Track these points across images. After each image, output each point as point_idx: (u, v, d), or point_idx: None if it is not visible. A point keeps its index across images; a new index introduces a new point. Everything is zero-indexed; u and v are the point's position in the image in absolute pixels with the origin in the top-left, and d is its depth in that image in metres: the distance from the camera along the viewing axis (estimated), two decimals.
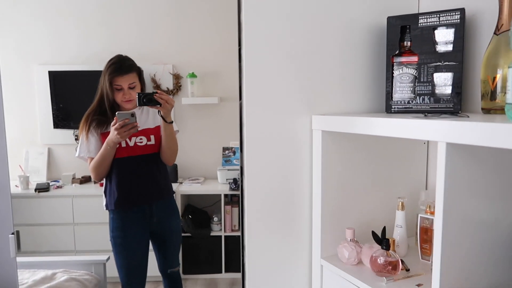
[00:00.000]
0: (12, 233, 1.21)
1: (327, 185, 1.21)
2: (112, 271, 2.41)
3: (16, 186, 3.17)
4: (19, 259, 1.74)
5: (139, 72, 1.95)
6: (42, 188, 3.12)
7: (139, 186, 1.94)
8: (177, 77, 3.45)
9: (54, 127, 3.41)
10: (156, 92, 1.77)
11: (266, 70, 1.17)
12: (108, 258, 2.29)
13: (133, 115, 1.76)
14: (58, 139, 3.47)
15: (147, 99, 1.75)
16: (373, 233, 1.15)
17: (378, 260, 1.09)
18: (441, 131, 0.82)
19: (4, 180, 1.26)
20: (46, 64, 3.40)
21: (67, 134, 3.42)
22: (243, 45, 1.15)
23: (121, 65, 1.87)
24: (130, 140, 1.89)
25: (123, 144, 1.88)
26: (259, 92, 1.18)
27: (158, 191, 1.99)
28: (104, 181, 1.98)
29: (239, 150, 1.24)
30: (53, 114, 3.38)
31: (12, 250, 1.20)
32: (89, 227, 3.11)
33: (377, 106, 1.30)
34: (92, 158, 1.89)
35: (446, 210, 0.84)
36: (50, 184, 3.25)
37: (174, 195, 2.13)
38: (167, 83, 3.45)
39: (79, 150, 1.92)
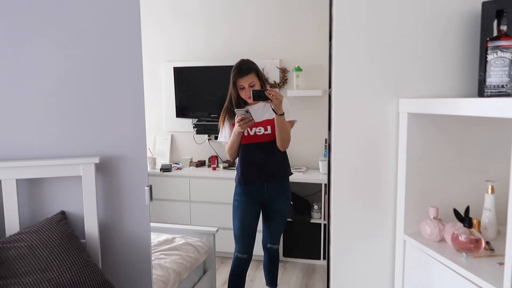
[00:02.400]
0: (147, 186, 1.55)
1: (412, 165, 1.27)
2: (221, 246, 2.72)
3: None
4: None
5: (257, 72, 2.28)
6: (166, 169, 3.64)
7: (256, 167, 2.31)
8: (283, 71, 3.66)
9: (176, 116, 3.90)
10: (266, 89, 2.06)
11: (354, 56, 1.28)
12: (217, 230, 2.60)
13: (247, 111, 2.09)
14: (179, 127, 3.96)
15: (258, 95, 2.06)
16: (455, 211, 1.18)
17: (460, 237, 1.13)
18: None
19: (141, 145, 1.60)
20: (172, 61, 3.90)
21: (186, 123, 3.89)
22: (333, 34, 1.27)
23: (241, 68, 2.23)
24: (251, 130, 2.27)
25: (246, 133, 2.26)
26: (347, 76, 1.29)
27: (270, 173, 2.33)
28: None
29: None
30: (176, 105, 3.87)
31: (147, 198, 1.55)
32: (203, 205, 3.51)
33: (467, 90, 1.31)
34: (227, 143, 2.32)
35: None
36: (172, 165, 3.75)
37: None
38: (274, 76, 3.68)
39: (220, 136, 2.39)
